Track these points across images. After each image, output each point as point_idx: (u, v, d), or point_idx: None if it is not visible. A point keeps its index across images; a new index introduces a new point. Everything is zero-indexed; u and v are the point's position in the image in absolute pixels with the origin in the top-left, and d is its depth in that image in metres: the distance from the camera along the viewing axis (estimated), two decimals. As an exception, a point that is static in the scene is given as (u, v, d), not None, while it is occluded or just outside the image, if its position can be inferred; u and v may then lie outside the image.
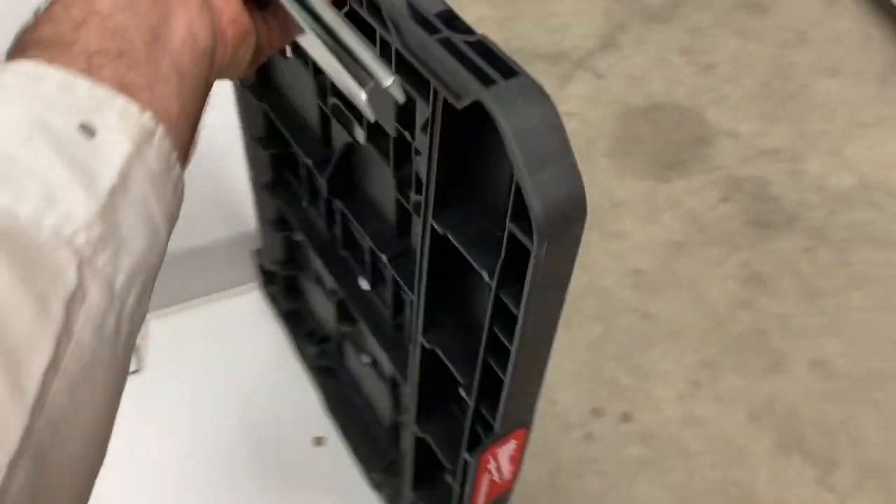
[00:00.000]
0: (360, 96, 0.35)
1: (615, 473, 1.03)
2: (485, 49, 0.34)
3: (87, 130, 0.29)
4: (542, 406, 1.04)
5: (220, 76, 0.37)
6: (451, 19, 0.36)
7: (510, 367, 0.41)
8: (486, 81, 0.32)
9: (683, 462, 1.05)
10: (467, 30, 0.35)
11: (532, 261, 0.34)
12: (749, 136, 1.44)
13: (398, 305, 0.58)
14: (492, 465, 0.50)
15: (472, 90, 0.32)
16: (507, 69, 0.33)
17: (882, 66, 1.56)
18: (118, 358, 0.29)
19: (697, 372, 1.13)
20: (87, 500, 0.29)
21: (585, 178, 0.33)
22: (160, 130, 0.31)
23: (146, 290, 0.30)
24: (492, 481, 0.51)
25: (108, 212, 0.28)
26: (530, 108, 0.32)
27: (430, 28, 0.36)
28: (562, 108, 0.33)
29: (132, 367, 0.95)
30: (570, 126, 0.35)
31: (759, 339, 1.17)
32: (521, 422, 0.48)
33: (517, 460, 0.52)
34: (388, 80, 0.34)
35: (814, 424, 1.08)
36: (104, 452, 0.29)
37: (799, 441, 1.07)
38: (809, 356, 1.15)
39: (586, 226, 0.35)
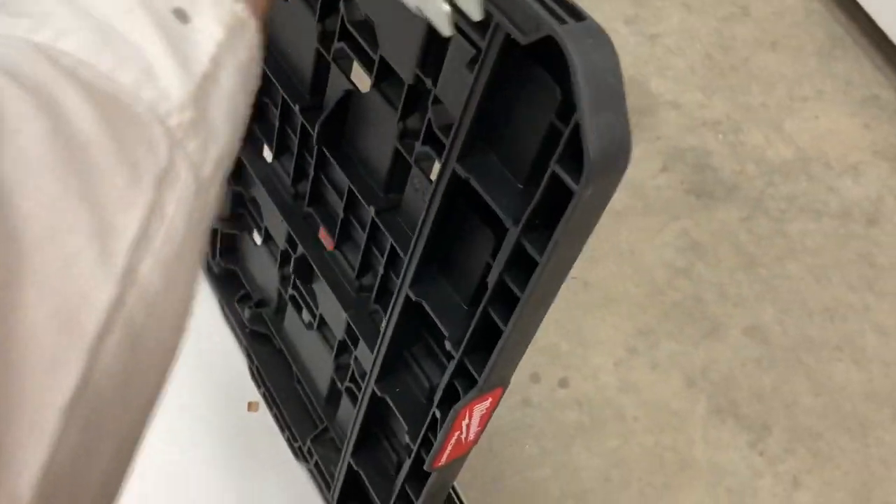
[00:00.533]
0: (443, 7, 0.34)
1: (552, 439, 1.03)
2: None
3: (182, 15, 0.28)
4: None
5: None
6: None
7: (514, 318, 0.41)
8: (559, 19, 0.33)
9: (620, 427, 1.05)
10: None
11: (574, 202, 0.34)
12: (691, 107, 1.44)
13: (365, 265, 0.57)
14: (465, 422, 0.49)
15: (545, 26, 0.33)
16: (575, 12, 0.34)
17: (822, 41, 1.57)
18: (200, 249, 0.28)
19: (634, 339, 1.13)
20: (161, 399, 0.28)
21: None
22: (252, 23, 0.30)
23: (222, 182, 0.30)
24: (459, 439, 0.50)
25: (200, 97, 0.27)
26: (598, 51, 0.33)
27: None
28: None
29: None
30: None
31: (696, 306, 1.17)
32: (501, 379, 0.47)
33: (485, 420, 0.51)
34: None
35: (748, 390, 1.10)
36: (179, 349, 0.28)
37: (733, 406, 1.08)
38: (745, 323, 1.16)
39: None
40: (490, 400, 0.49)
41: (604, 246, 1.21)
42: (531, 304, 0.41)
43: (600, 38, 0.33)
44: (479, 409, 0.49)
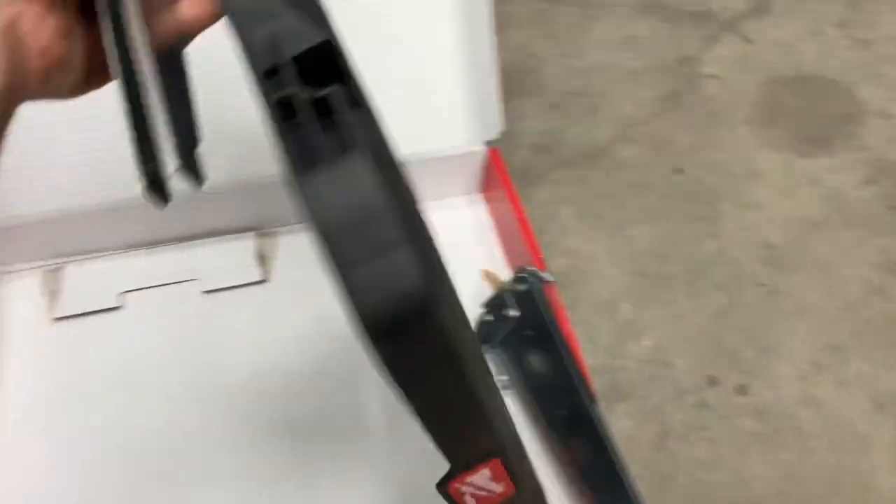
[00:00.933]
0: (140, 179, 0.34)
1: (726, 444, 1.01)
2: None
3: None
4: (657, 369, 1.04)
5: (34, 99, 0.37)
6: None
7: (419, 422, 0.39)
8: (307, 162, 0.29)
9: (798, 442, 1.02)
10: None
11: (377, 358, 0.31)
12: (902, 119, 1.36)
13: None
14: (467, 489, 0.47)
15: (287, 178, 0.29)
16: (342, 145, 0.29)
17: None
18: None
19: (822, 353, 1.09)
20: None
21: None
22: None
23: None
24: (482, 499, 0.48)
25: None
26: (345, 192, 0.28)
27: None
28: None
29: (259, 277, 0.99)
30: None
31: (891, 327, 1.12)
32: (487, 454, 0.44)
33: (503, 477, 0.48)
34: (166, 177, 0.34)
35: (942, 422, 1.04)
36: None
37: (924, 437, 1.03)
38: (944, 352, 1.10)
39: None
40: (486, 470, 0.46)
41: (797, 254, 1.18)
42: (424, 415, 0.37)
43: (351, 172, 0.28)
44: (479, 478, 0.47)
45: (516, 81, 1.28)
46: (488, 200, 1.14)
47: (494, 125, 1.05)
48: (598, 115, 1.28)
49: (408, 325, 0.28)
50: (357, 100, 0.33)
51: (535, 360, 0.93)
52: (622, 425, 0.99)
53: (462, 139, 1.06)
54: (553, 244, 1.12)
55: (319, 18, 0.37)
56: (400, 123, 1.00)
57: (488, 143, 1.07)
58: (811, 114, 1.37)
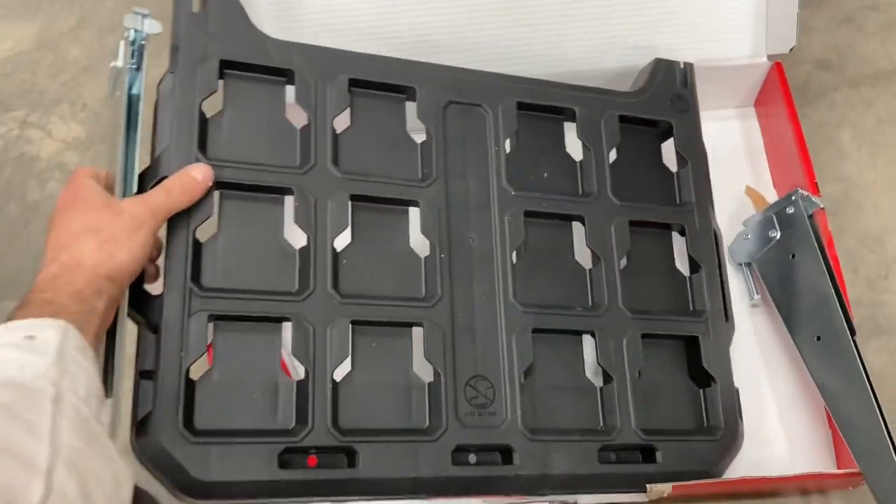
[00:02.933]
0: None
1: None
2: None
3: (30, 337, 0.53)
4: None
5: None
6: None
7: None
8: None
9: None
10: None
11: None
12: None
13: None
14: None
15: None
16: None
17: None
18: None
19: None
20: None
21: None
22: (71, 328, 0.56)
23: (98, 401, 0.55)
24: None
25: (58, 360, 0.52)
26: None
27: None
28: None
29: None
30: None
31: None
32: None
33: None
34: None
35: None
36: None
37: None
38: None
39: None
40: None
41: None
42: None
43: None
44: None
45: (807, -10, 1.21)
46: (761, 116, 1.12)
47: (788, 38, 1.01)
48: (895, 33, 1.19)
49: None
50: None
51: (793, 283, 0.93)
52: (875, 360, 0.97)
53: (748, 50, 1.03)
54: (825, 168, 1.08)
55: None
56: (685, 30, 1.00)
57: (770, 56, 1.04)
58: None
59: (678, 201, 0.94)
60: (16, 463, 0.43)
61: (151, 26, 0.74)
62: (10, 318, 0.57)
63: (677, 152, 0.94)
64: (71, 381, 0.52)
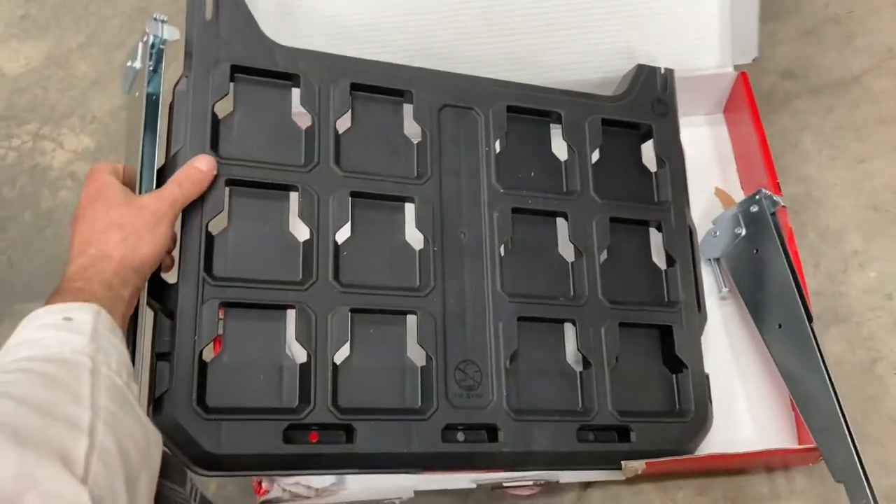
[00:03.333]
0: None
1: (938, 380, 1.05)
2: None
3: (67, 319, 0.61)
4: (878, 300, 1.04)
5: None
6: None
7: None
8: None
9: None
10: None
11: None
12: None
13: None
14: None
15: None
16: None
17: None
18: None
19: None
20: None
21: None
22: (103, 311, 0.63)
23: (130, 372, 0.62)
24: None
25: (94, 336, 0.60)
26: None
27: None
28: None
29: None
30: None
31: None
32: None
33: None
34: None
35: None
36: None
37: None
38: None
39: None
40: None
41: None
42: None
43: None
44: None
45: (772, 5, 1.29)
46: (730, 122, 1.19)
47: (751, 49, 1.09)
48: (854, 43, 1.27)
49: None
50: None
51: (758, 276, 1.01)
52: (833, 347, 1.05)
53: (716, 60, 1.11)
54: (788, 170, 1.16)
55: None
56: (656, 40, 1.08)
57: (736, 66, 1.12)
58: None
59: (656, 199, 1.00)
60: (64, 424, 0.51)
61: (170, 33, 0.80)
62: (46, 304, 0.63)
63: (657, 153, 1.01)
64: (105, 356, 0.59)
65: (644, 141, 1.03)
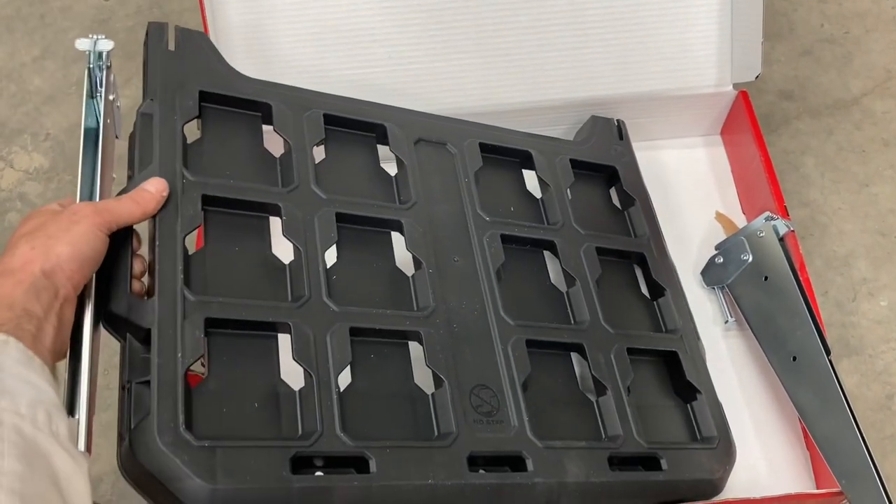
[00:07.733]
0: None
1: (956, 416, 0.99)
2: None
3: None
4: (891, 331, 0.98)
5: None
6: None
7: None
8: None
9: None
10: None
11: None
12: None
13: None
14: None
15: None
16: None
17: None
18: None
19: None
20: None
21: None
22: (11, 339, 0.53)
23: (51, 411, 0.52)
24: None
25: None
26: None
27: None
28: None
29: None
30: None
31: None
32: None
33: None
34: None
35: None
36: None
37: None
38: None
39: None
40: None
41: None
42: None
43: None
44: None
45: (767, 24, 1.25)
46: (728, 143, 1.14)
47: (753, 66, 1.04)
48: (852, 64, 1.23)
49: None
50: None
51: (767, 305, 0.94)
52: (847, 381, 0.98)
53: (714, 79, 1.05)
54: (791, 193, 1.11)
55: None
56: (654, 58, 1.02)
57: (735, 85, 1.07)
58: None
59: (633, 234, 0.98)
60: None
61: (104, 45, 0.73)
62: None
63: (626, 192, 1.00)
64: (10, 399, 0.49)
65: (611, 183, 1.02)
